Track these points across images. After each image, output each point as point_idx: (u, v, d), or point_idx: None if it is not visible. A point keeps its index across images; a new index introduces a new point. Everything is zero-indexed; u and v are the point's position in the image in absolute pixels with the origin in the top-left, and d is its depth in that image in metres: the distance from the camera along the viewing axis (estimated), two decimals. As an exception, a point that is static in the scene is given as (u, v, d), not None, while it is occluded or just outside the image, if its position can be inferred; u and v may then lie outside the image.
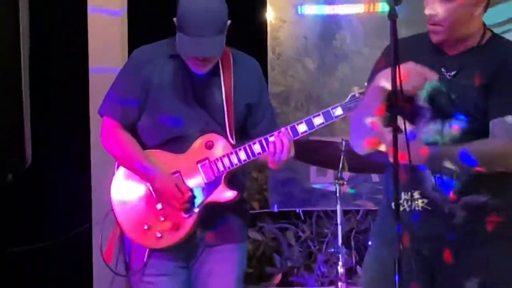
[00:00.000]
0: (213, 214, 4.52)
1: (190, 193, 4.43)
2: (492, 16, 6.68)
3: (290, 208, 7.07)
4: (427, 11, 3.72)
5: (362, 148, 3.83)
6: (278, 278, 7.14)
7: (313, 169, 6.61)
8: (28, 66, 2.46)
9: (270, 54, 6.91)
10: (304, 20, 6.94)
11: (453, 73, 3.71)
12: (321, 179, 6.48)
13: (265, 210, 7.16)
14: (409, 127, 3.38)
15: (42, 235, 6.62)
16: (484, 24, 3.87)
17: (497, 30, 6.15)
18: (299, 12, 6.99)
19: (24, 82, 2.43)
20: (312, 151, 5.27)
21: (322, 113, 4.25)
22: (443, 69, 3.73)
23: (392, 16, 3.37)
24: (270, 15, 7.00)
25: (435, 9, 3.69)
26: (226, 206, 4.51)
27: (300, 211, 7.08)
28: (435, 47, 3.81)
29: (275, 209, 6.98)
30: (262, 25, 7.04)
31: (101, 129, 4.59)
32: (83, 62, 6.51)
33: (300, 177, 6.80)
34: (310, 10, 6.97)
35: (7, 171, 2.55)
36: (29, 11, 2.57)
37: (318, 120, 4.25)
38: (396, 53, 3.44)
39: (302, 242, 7.17)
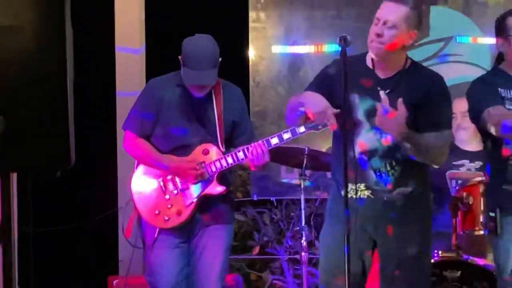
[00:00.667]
0: (208, 202, 4.59)
1: (198, 166, 4.51)
2: (419, 53, 6.84)
3: (266, 197, 7.13)
4: (376, 30, 3.81)
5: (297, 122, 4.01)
6: (256, 249, 7.18)
7: (283, 168, 6.61)
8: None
9: (251, 83, 6.95)
10: (277, 57, 6.94)
11: (387, 91, 3.75)
12: (289, 176, 6.54)
13: (247, 199, 7.21)
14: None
15: (83, 216, 6.80)
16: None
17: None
18: (273, 52, 7.02)
19: (70, 103, 2.49)
20: (282, 155, 5.27)
21: (290, 130, 4.29)
22: (378, 88, 3.80)
23: (343, 54, 3.62)
24: (251, 53, 7.06)
25: (382, 30, 3.79)
26: (217, 196, 4.60)
27: (274, 199, 7.16)
28: (370, 71, 3.91)
29: (255, 198, 7.09)
30: (246, 61, 7.07)
31: (124, 139, 4.73)
32: (111, 87, 6.61)
33: (274, 174, 6.82)
34: (281, 50, 7.00)
35: (57, 169, 2.59)
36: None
37: (286, 135, 4.33)
38: (346, 81, 3.62)
39: (275, 222, 7.22)
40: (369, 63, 3.96)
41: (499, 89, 4.16)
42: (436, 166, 4.11)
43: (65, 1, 2.50)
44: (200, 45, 4.55)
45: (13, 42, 2.43)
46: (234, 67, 6.84)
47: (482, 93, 4.22)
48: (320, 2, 6.98)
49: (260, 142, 4.41)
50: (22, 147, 2.48)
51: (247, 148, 4.43)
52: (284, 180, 6.56)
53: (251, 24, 7.04)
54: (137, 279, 5.36)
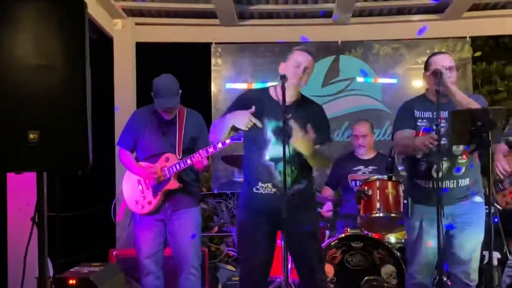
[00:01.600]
0: (173, 194, 4.62)
1: (157, 173, 4.56)
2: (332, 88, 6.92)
3: (223, 191, 7.03)
4: (298, 72, 3.82)
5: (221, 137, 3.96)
6: (215, 228, 7.04)
7: (235, 170, 6.42)
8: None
9: (213, 110, 6.83)
10: (231, 91, 6.81)
11: (289, 116, 3.67)
12: (240, 175, 6.22)
13: (210, 192, 7.11)
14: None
15: (92, 205, 6.78)
16: None
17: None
18: (227, 87, 6.90)
19: (88, 122, 2.49)
20: (235, 160, 5.26)
21: (221, 142, 4.22)
22: (288, 115, 3.68)
23: (283, 88, 3.63)
24: (213, 88, 6.96)
25: (301, 72, 3.84)
26: (179, 189, 4.62)
27: (229, 193, 7.08)
28: (274, 101, 3.87)
29: (215, 191, 7.00)
30: (209, 94, 7.00)
31: (118, 153, 4.85)
32: (111, 111, 6.54)
33: (229, 174, 6.74)
34: (234, 86, 6.89)
35: (78, 169, 2.58)
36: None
37: (219, 145, 4.29)
38: (284, 102, 3.61)
39: (229, 209, 7.11)
40: (273, 94, 3.94)
41: (415, 111, 4.16)
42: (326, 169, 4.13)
43: (85, 47, 2.51)
44: (165, 80, 4.62)
45: (46, 76, 2.44)
46: (200, 98, 6.93)
47: (401, 115, 4.28)
48: (262, 51, 6.96)
49: (200, 151, 4.43)
50: (53, 153, 2.48)
51: (192, 156, 4.48)
52: (236, 179, 6.40)
53: (212, 67, 6.98)
54: (128, 250, 5.32)
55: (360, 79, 6.92)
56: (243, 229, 4.03)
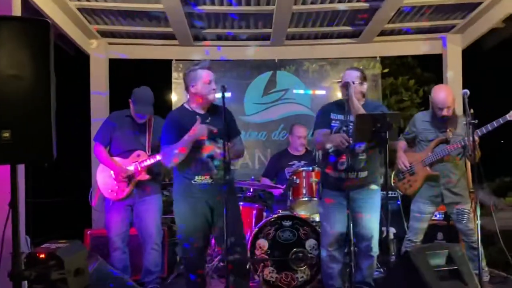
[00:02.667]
0: (142, 183, 4.59)
1: (127, 173, 4.55)
2: (270, 97, 6.95)
3: None
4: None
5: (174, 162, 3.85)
6: (176, 218, 7.05)
7: None
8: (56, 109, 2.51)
9: None
10: None
11: (208, 120, 3.82)
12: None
13: (171, 182, 6.89)
14: None
15: (72, 192, 6.56)
16: None
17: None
18: (187, 96, 6.86)
19: (52, 122, 2.46)
20: None
21: None
22: (205, 121, 3.85)
23: (223, 97, 3.68)
24: (173, 97, 6.90)
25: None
26: (147, 180, 4.61)
27: None
28: (190, 112, 3.91)
29: (175, 181, 6.96)
30: (170, 102, 6.94)
31: (94, 147, 4.74)
32: (88, 114, 6.41)
33: None
34: None
35: (45, 162, 2.55)
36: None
37: None
38: (224, 113, 3.60)
39: None
40: (188, 107, 3.99)
41: (331, 113, 4.23)
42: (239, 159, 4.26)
43: (50, 60, 2.50)
44: (144, 92, 4.63)
45: (17, 84, 2.44)
46: (163, 105, 6.81)
47: (320, 116, 4.32)
48: (216, 66, 6.86)
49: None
50: (23, 149, 2.47)
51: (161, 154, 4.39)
52: None
53: (173, 80, 6.92)
54: (100, 230, 5.25)
55: (293, 90, 6.94)
56: (185, 216, 3.96)
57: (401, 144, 4.84)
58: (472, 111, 4.00)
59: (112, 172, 4.63)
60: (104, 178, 4.67)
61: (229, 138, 3.83)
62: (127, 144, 4.65)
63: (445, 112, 4.49)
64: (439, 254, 3.49)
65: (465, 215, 4.49)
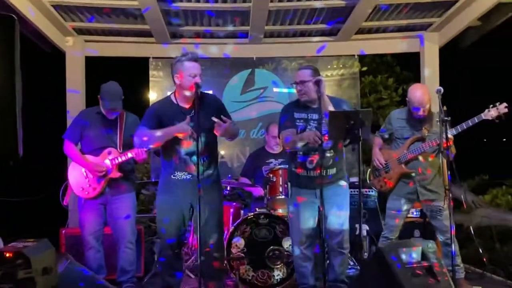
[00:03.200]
0: (114, 181, 4.54)
1: (101, 171, 4.49)
2: (249, 95, 6.94)
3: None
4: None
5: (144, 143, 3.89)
6: (155, 210, 6.94)
7: None
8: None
9: None
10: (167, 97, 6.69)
11: (192, 113, 3.80)
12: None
13: (149, 181, 7.03)
14: None
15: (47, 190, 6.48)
16: None
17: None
18: (168, 94, 6.76)
19: (18, 120, 2.40)
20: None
21: None
22: (189, 115, 3.84)
23: (197, 95, 3.67)
24: (151, 95, 6.86)
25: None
26: (123, 177, 4.57)
27: None
28: (179, 107, 3.89)
29: (153, 180, 6.88)
30: (147, 99, 6.90)
31: (64, 144, 4.64)
32: (64, 112, 6.34)
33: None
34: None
35: (10, 160, 2.51)
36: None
37: None
38: (198, 111, 3.58)
39: None
40: (173, 100, 3.97)
41: (295, 113, 4.23)
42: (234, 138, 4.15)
43: (15, 57, 2.42)
44: (112, 86, 4.55)
45: None
46: (141, 103, 6.80)
47: (284, 117, 4.30)
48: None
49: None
50: None
51: (132, 151, 4.44)
52: None
53: (150, 78, 6.86)
54: (75, 229, 5.21)
55: (271, 88, 6.93)
56: (163, 209, 4.01)
57: (377, 141, 4.88)
58: (445, 108, 4.03)
59: (83, 170, 4.57)
60: (75, 176, 4.62)
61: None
62: (98, 141, 4.58)
63: (421, 112, 4.52)
64: (412, 250, 3.52)
65: (440, 212, 4.52)
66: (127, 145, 4.54)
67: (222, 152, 6.76)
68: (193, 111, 3.83)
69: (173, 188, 3.94)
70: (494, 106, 4.27)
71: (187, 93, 3.86)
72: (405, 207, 4.66)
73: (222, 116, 3.82)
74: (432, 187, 4.58)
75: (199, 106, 3.73)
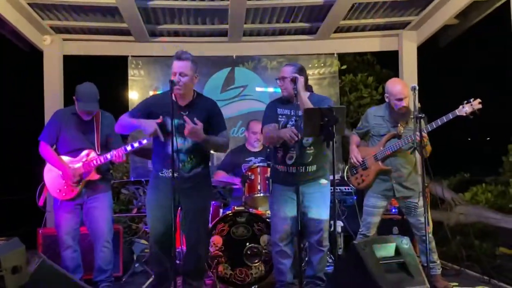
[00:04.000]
0: (92, 183, 4.51)
1: (77, 177, 4.45)
2: (229, 94, 6.94)
3: (140, 178, 6.88)
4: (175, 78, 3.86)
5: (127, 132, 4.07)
6: (135, 210, 6.90)
7: (149, 161, 6.27)
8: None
9: None
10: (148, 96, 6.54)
11: (186, 113, 3.82)
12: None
13: (129, 180, 7.00)
14: None
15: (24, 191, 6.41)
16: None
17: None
18: (149, 93, 6.70)
19: None
20: (148, 152, 5.18)
21: (138, 141, 4.31)
22: (181, 112, 3.85)
23: (171, 91, 3.71)
24: (130, 94, 6.80)
25: (180, 79, 3.86)
26: (98, 179, 4.54)
27: (143, 180, 6.90)
28: (174, 103, 3.87)
29: (132, 179, 6.87)
30: (127, 99, 6.84)
31: (39, 146, 4.59)
32: (42, 111, 6.31)
33: (145, 165, 6.54)
34: (150, 92, 6.68)
35: None
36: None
37: (136, 144, 4.31)
38: (172, 108, 3.56)
39: (145, 193, 6.97)
40: (173, 95, 3.94)
41: (278, 109, 4.26)
42: (220, 152, 4.18)
43: None
44: (87, 87, 4.51)
45: None
46: (120, 102, 6.77)
47: (267, 112, 4.34)
48: (170, 64, 6.86)
49: (120, 149, 4.38)
50: None
51: (112, 153, 4.40)
52: (150, 167, 6.27)
53: (129, 77, 6.82)
54: (52, 229, 5.10)
55: (252, 86, 6.93)
56: (151, 205, 4.08)
57: (354, 139, 4.90)
58: (419, 105, 4.06)
59: (58, 173, 4.54)
60: (51, 178, 4.57)
61: (212, 132, 3.95)
62: (75, 142, 4.54)
63: (404, 103, 4.51)
64: (386, 246, 3.53)
65: (415, 209, 4.54)
66: (103, 146, 4.53)
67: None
68: (187, 111, 3.90)
69: (161, 185, 3.99)
70: (468, 102, 4.27)
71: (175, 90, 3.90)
72: (381, 204, 4.68)
73: (210, 121, 3.91)
74: (408, 184, 4.60)
75: (172, 104, 3.77)
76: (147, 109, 3.99)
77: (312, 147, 4.15)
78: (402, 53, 6.65)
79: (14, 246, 2.83)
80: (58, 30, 6.43)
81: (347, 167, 4.97)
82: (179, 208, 4.02)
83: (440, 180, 7.42)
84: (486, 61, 8.27)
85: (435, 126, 4.38)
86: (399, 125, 4.60)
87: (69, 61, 6.65)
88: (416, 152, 4.45)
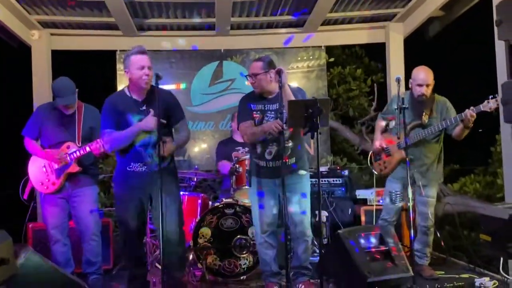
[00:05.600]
0: (74, 176, 4.51)
1: (62, 158, 4.45)
2: (217, 87, 6.97)
3: None
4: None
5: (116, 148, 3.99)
6: (114, 203, 7.02)
7: None
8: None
9: None
10: None
11: (144, 107, 3.87)
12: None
13: None
14: None
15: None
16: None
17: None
18: None
19: None
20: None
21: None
22: (141, 108, 3.93)
23: (157, 85, 3.73)
24: (120, 88, 6.50)
25: (149, 73, 3.90)
26: (83, 171, 4.54)
27: None
28: (132, 99, 3.94)
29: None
30: (115, 87, 6.80)
31: (24, 141, 4.63)
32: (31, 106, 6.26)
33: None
34: None
35: None
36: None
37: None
38: (159, 103, 3.59)
39: None
40: (127, 93, 4.01)
41: (251, 104, 4.25)
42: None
43: None
44: (63, 82, 4.53)
45: None
46: (106, 92, 6.69)
47: (241, 109, 4.34)
48: (162, 56, 6.92)
49: (98, 140, 4.36)
50: None
51: (91, 144, 4.42)
52: None
53: (118, 72, 6.81)
54: (42, 224, 5.09)
55: (239, 80, 6.94)
56: (120, 200, 4.10)
57: (379, 124, 4.95)
58: (403, 96, 4.08)
59: (43, 164, 4.56)
60: (34, 171, 4.60)
61: (172, 123, 4.00)
62: (56, 136, 4.56)
63: (423, 90, 4.49)
64: (370, 235, 3.60)
65: (429, 199, 4.61)
66: (87, 138, 4.55)
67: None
68: (145, 105, 3.95)
69: (130, 180, 4.00)
70: (494, 97, 4.20)
71: (139, 84, 3.93)
72: (401, 190, 4.70)
73: (169, 113, 3.96)
74: (428, 174, 4.63)
75: (158, 97, 3.78)
76: (115, 114, 3.99)
77: (290, 141, 4.18)
78: (389, 45, 6.69)
79: (1, 239, 2.86)
80: (45, 25, 6.42)
81: (370, 152, 5.03)
82: (151, 200, 4.05)
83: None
84: (472, 52, 8.33)
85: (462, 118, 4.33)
86: (423, 114, 4.56)
87: (57, 56, 6.65)
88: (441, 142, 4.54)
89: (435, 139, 4.63)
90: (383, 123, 4.92)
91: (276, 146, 4.06)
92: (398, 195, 4.69)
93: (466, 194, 7.29)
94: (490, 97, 4.22)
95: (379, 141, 4.84)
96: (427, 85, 4.50)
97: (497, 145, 7.48)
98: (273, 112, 4.14)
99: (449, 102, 4.61)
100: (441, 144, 4.71)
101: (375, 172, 5.03)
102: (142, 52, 3.98)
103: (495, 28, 4.04)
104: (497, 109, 4.25)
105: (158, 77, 3.82)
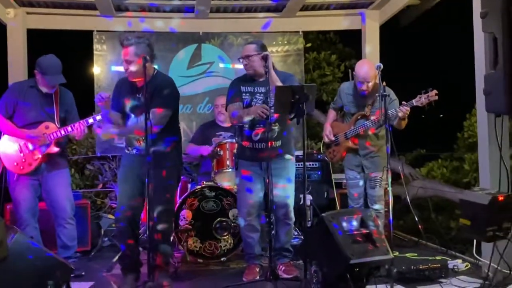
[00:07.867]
0: (50, 157, 4.46)
1: (42, 136, 4.38)
2: (195, 70, 6.94)
3: (106, 154, 6.85)
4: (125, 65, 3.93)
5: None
6: (100, 185, 6.95)
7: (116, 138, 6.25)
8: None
9: (95, 87, 6.55)
10: (115, 72, 6.56)
11: (140, 95, 3.88)
12: (119, 141, 5.96)
13: (95, 155, 6.94)
14: None
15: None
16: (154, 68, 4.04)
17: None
18: (112, 69, 6.64)
19: None
20: None
21: (101, 114, 4.14)
22: (138, 95, 3.93)
23: (144, 68, 3.71)
24: (95, 69, 6.67)
25: (128, 67, 3.92)
26: (56, 154, 4.47)
27: (110, 156, 6.93)
28: (131, 83, 3.98)
29: (99, 155, 6.78)
30: (92, 74, 6.74)
31: None
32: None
33: (110, 140, 6.28)
34: (117, 68, 6.50)
35: None
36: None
37: (98, 117, 4.20)
38: (147, 88, 3.58)
39: (112, 169, 6.97)
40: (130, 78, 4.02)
41: (241, 87, 4.31)
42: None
43: None
44: (53, 60, 4.44)
45: None
46: (85, 77, 6.65)
47: (232, 90, 4.39)
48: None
49: (81, 121, 4.34)
50: None
51: (73, 125, 4.37)
52: (117, 144, 6.25)
53: (94, 52, 6.67)
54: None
55: (218, 63, 6.93)
56: (119, 181, 4.23)
57: (330, 115, 5.10)
58: (384, 84, 4.17)
59: (18, 144, 4.44)
60: (7, 151, 4.47)
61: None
62: (33, 115, 4.44)
63: (364, 87, 4.68)
64: (352, 218, 3.68)
65: (377, 182, 4.75)
66: (63, 120, 4.50)
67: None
68: (141, 93, 3.93)
69: (126, 161, 4.13)
70: (426, 92, 4.35)
71: (128, 74, 3.98)
72: (357, 176, 4.87)
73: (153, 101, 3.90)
74: (374, 159, 4.79)
75: (146, 82, 3.77)
76: (118, 96, 4.08)
77: (277, 124, 4.23)
78: (365, 32, 6.77)
79: (-6, 220, 2.83)
80: (21, 3, 6.27)
81: (322, 141, 5.17)
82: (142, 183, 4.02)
83: (399, 156, 7.63)
84: (445, 40, 8.50)
85: (395, 113, 4.50)
86: (367, 105, 4.74)
87: (33, 35, 6.50)
88: (384, 129, 4.53)
89: (379, 129, 4.77)
90: (333, 114, 5.09)
91: (264, 129, 4.11)
92: (355, 181, 4.86)
93: (434, 179, 7.49)
94: (422, 92, 4.37)
95: (327, 134, 4.99)
96: (368, 82, 4.66)
97: (464, 131, 7.71)
98: (262, 95, 4.20)
99: (393, 94, 4.73)
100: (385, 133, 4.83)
101: (328, 159, 5.21)
102: (121, 44, 3.97)
103: (476, 20, 4.13)
104: (429, 103, 4.37)
105: (145, 60, 3.80)
